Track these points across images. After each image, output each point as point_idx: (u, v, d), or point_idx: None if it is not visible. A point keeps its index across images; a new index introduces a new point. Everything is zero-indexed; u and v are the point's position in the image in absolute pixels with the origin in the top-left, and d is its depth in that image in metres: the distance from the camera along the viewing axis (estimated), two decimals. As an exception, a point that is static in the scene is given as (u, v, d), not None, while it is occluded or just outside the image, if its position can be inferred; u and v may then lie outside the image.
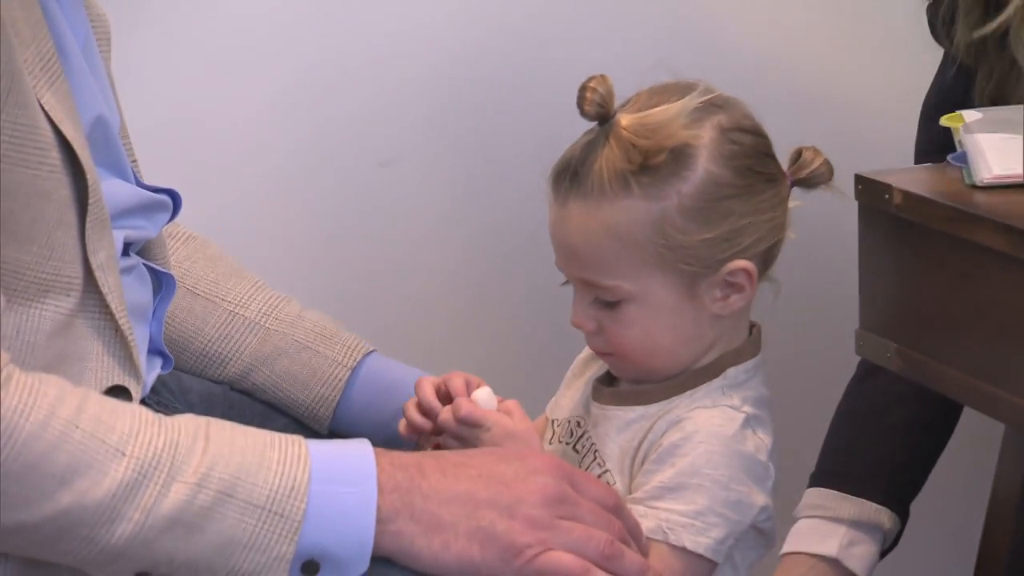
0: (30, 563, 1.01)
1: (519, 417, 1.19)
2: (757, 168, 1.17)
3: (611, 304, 1.17)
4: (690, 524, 1.12)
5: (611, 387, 1.22)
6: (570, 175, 1.15)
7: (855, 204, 1.35)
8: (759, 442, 1.17)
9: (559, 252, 1.18)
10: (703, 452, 1.14)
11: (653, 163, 1.13)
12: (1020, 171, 1.22)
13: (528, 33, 1.82)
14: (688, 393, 1.18)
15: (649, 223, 1.14)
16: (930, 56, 1.63)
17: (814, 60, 1.93)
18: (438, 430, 1.21)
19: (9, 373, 0.96)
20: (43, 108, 1.02)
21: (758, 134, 1.18)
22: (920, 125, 1.67)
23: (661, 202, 1.14)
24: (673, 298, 1.16)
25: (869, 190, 1.28)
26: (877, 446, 1.62)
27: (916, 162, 1.64)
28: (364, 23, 1.76)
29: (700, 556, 1.13)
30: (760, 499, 1.15)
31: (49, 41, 1.05)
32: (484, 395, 1.20)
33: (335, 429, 1.29)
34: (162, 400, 1.21)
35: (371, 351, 1.31)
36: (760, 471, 1.16)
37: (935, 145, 1.59)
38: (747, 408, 1.17)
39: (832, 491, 1.61)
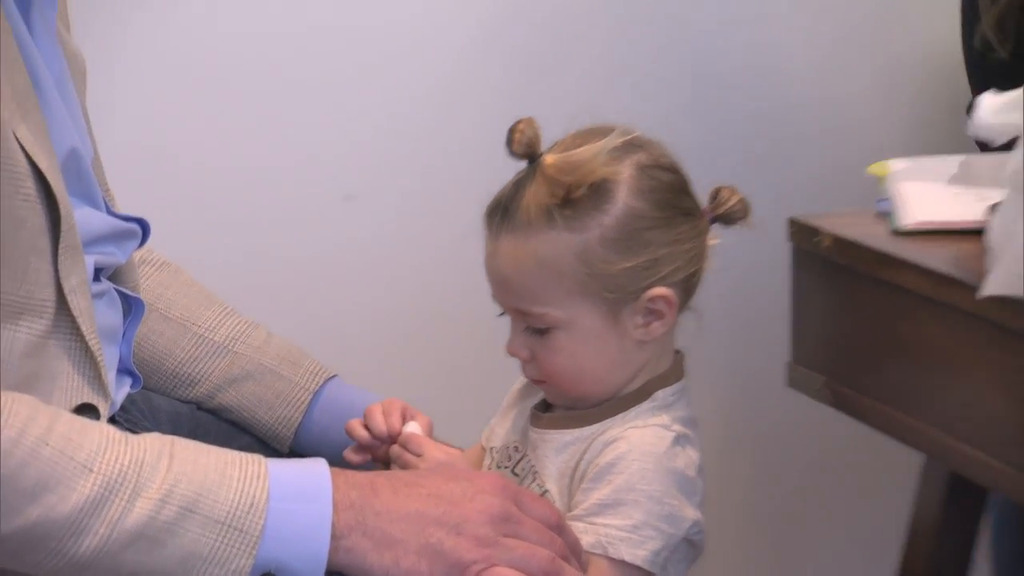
0: (1, 572, 1.00)
1: (443, 448, 1.20)
2: (674, 202, 1.18)
3: (541, 331, 1.17)
4: (627, 537, 1.12)
5: (547, 413, 1.22)
6: (501, 211, 1.17)
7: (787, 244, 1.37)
8: (688, 459, 1.17)
9: (493, 284, 1.19)
10: (637, 469, 1.14)
11: (574, 197, 1.14)
12: (941, 218, 1.23)
13: (493, 72, 1.82)
14: (620, 415, 1.17)
15: (573, 253, 1.15)
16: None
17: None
18: (382, 454, 1.23)
19: None
20: (18, 140, 1.02)
21: (675, 171, 1.19)
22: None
23: (583, 233, 1.14)
24: (598, 324, 1.17)
25: (801, 233, 1.30)
26: None
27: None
28: (330, 59, 1.77)
29: (638, 568, 1.13)
30: (691, 513, 1.16)
31: (24, 76, 1.05)
32: (414, 427, 1.22)
33: (296, 448, 1.29)
34: (131, 418, 1.20)
35: (332, 376, 1.31)
36: (690, 486, 1.16)
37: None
38: (676, 427, 1.17)
39: None
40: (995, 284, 1.07)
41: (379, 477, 1.07)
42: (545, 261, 1.14)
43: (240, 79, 1.72)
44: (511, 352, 1.19)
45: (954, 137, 1.49)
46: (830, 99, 1.90)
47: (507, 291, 1.17)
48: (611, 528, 1.12)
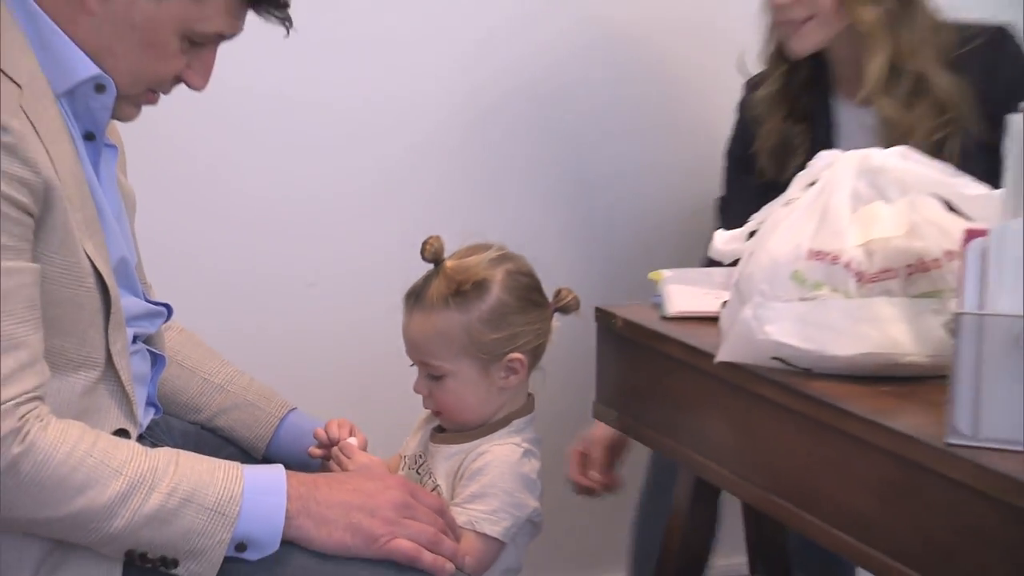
0: (56, 543, 1.00)
1: (368, 457, 1.19)
2: (529, 297, 1.18)
3: (437, 378, 1.17)
4: (488, 518, 1.14)
5: (441, 433, 1.22)
6: (415, 296, 1.17)
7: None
8: (532, 466, 1.18)
9: (407, 345, 1.19)
10: (497, 472, 1.15)
11: (463, 290, 1.15)
12: (692, 309, 1.23)
13: (422, 187, 1.74)
14: (488, 436, 1.19)
15: (460, 327, 1.15)
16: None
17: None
18: (325, 460, 1.22)
19: (48, 420, 0.96)
20: (85, 251, 1.02)
21: (531, 276, 1.20)
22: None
23: (468, 314, 1.15)
24: (474, 375, 1.17)
25: (603, 317, 1.29)
26: None
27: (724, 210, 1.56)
28: (297, 178, 1.71)
29: (494, 539, 1.14)
30: (532, 502, 1.17)
31: (92, 209, 1.05)
32: (352, 440, 1.21)
33: (267, 456, 1.27)
34: (155, 435, 1.19)
35: (293, 408, 1.29)
36: (532, 485, 1.18)
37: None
38: (525, 444, 1.18)
39: None
40: (724, 353, 1.08)
41: (320, 477, 1.07)
42: (441, 331, 1.15)
43: (226, 201, 1.68)
44: (416, 390, 1.19)
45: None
46: (625, 220, 1.87)
47: (415, 349, 1.18)
48: (477, 512, 1.14)
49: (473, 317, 1.14)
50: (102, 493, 0.95)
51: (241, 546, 1.00)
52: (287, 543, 1.02)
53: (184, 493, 0.98)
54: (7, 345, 0.93)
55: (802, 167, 1.08)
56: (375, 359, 1.66)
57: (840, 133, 1.44)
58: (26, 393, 0.95)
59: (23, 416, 0.94)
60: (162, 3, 1.02)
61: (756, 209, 1.10)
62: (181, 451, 1.02)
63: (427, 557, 1.04)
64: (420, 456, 1.22)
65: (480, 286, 1.15)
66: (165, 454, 1.00)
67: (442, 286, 1.14)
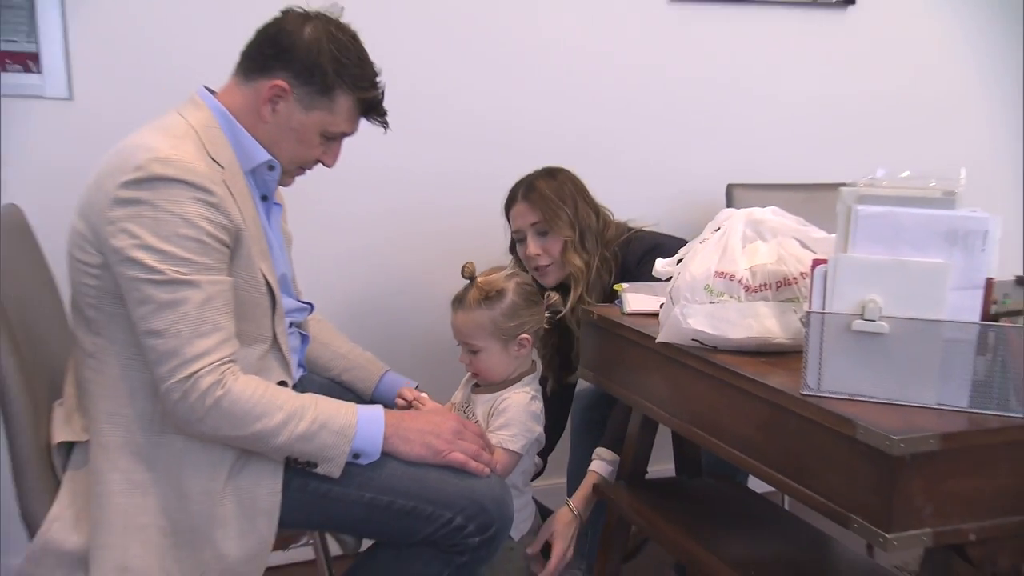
0: (243, 451, 1.01)
1: (434, 404, 1.21)
2: (532, 299, 1.20)
3: (474, 352, 1.19)
4: (511, 439, 1.15)
5: (478, 387, 1.24)
6: (458, 301, 1.19)
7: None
8: (537, 405, 1.19)
9: (454, 332, 1.19)
10: (515, 410, 1.17)
11: (489, 296, 1.16)
12: (642, 308, 1.21)
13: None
14: (509, 388, 1.20)
15: (488, 319, 1.16)
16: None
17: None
18: (408, 406, 1.22)
19: (238, 375, 0.98)
20: (261, 270, 1.04)
21: (533, 285, 1.21)
22: None
23: (493, 311, 1.16)
24: (498, 350, 1.18)
25: (584, 312, 1.26)
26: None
27: None
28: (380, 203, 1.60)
29: (515, 452, 1.16)
30: (538, 428, 1.19)
31: (265, 243, 1.07)
32: (424, 396, 1.23)
33: (372, 400, 1.26)
34: (302, 385, 1.18)
35: (388, 370, 1.28)
36: (537, 417, 1.19)
37: None
38: (532, 392, 1.20)
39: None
40: (662, 336, 1.07)
41: (405, 413, 1.08)
42: (476, 322, 1.16)
43: (347, 242, 1.60)
44: (461, 361, 1.21)
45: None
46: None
47: (459, 334, 1.19)
48: (504, 435, 1.16)
49: (496, 313, 1.15)
50: (271, 420, 0.97)
51: (356, 455, 1.02)
52: (385, 454, 1.03)
53: (321, 421, 0.99)
54: (214, 328, 0.96)
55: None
56: (435, 341, 1.65)
57: None
58: (224, 358, 0.96)
59: (223, 372, 0.96)
60: (309, 115, 1.06)
61: None
62: (319, 395, 1.02)
63: (472, 464, 1.05)
64: (465, 403, 1.23)
65: (500, 292, 1.15)
66: (309, 397, 1.01)
67: (475, 294, 1.15)
